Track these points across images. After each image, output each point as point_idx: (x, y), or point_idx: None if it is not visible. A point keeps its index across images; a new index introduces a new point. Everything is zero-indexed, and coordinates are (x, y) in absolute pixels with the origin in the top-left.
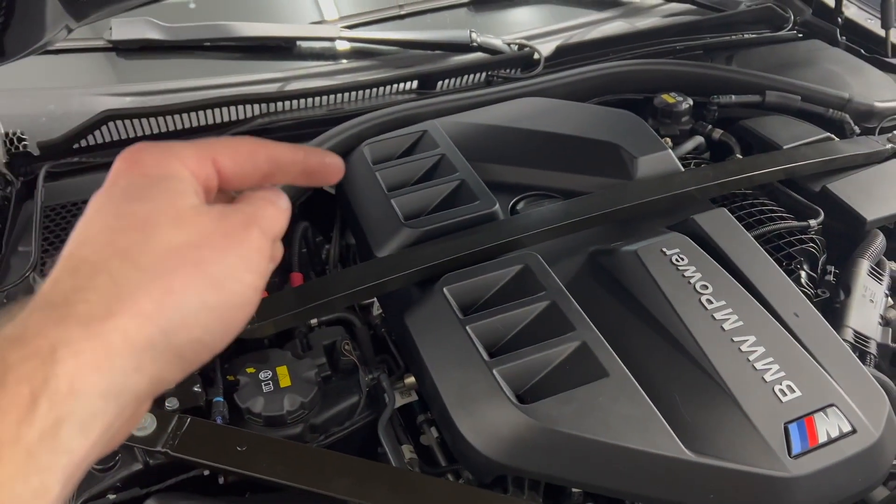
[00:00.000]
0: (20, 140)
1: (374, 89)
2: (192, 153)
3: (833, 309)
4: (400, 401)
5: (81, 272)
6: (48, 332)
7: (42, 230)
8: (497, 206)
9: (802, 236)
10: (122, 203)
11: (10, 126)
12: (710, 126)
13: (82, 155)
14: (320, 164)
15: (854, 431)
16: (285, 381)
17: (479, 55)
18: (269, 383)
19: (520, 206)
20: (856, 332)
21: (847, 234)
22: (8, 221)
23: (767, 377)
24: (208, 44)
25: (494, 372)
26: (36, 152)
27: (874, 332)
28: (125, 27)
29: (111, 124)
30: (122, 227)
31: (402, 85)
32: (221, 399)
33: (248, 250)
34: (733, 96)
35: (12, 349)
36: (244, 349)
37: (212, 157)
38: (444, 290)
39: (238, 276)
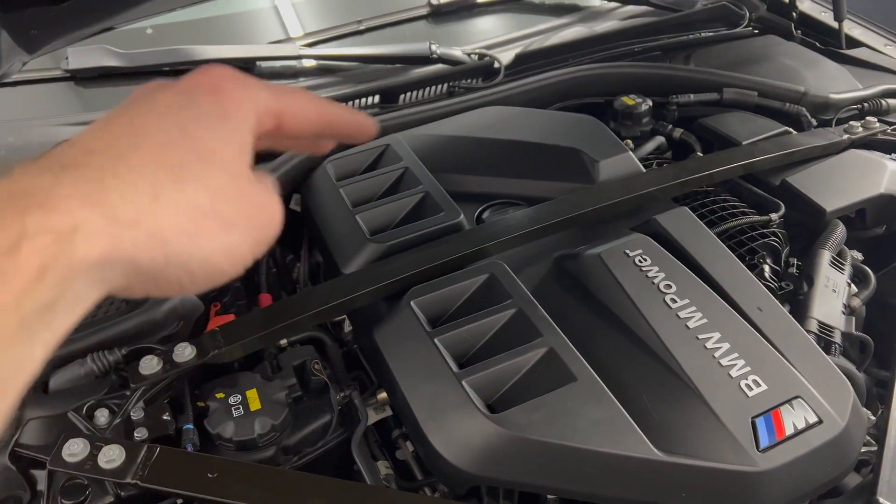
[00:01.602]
0: None
1: None
2: (266, 103)
3: (797, 301)
4: (374, 417)
5: (125, 156)
6: (74, 209)
7: None
8: (462, 216)
9: (764, 230)
10: (189, 119)
11: None
12: (670, 126)
13: None
14: (356, 123)
15: (820, 422)
16: (255, 405)
17: (439, 67)
18: (238, 407)
19: (485, 216)
20: (820, 322)
21: (808, 225)
22: None
23: (733, 373)
24: (167, 69)
25: (463, 383)
26: None
27: (838, 321)
28: (82, 56)
29: None
30: (179, 142)
31: (364, 100)
32: (191, 426)
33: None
34: (692, 95)
35: (33, 213)
36: (213, 374)
37: (281, 110)
38: (412, 303)
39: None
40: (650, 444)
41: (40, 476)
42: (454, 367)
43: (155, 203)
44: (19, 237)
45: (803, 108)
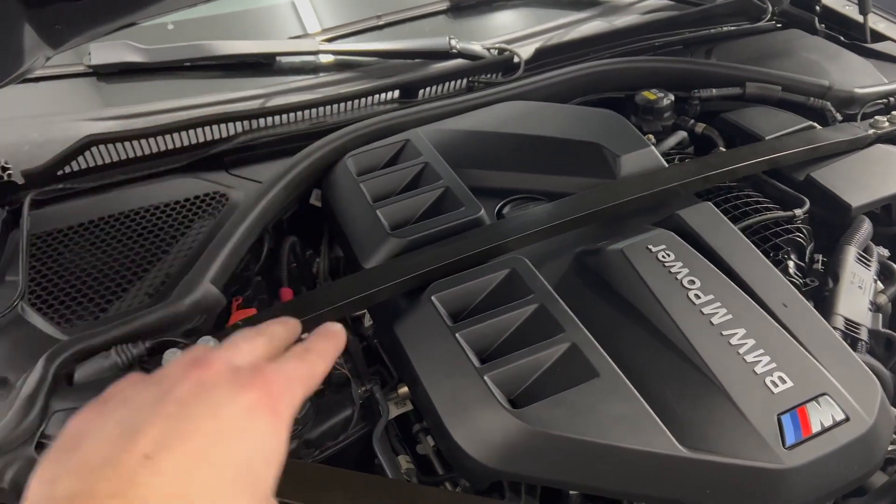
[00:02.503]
0: (4, 169)
1: (356, 101)
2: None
3: (822, 297)
4: (395, 411)
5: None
6: None
7: (29, 259)
8: (482, 211)
9: (789, 226)
10: (252, 449)
11: None
12: (692, 120)
13: (67, 181)
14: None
15: (847, 419)
16: None
17: (459, 62)
18: None
19: (505, 211)
20: (846, 319)
21: (833, 221)
22: None
23: (758, 369)
24: (188, 64)
25: (486, 378)
26: (20, 181)
27: (864, 318)
28: (104, 51)
29: (94, 149)
30: (242, 477)
31: (383, 95)
32: None
33: None
34: (714, 90)
35: None
36: None
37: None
38: (433, 298)
39: None
40: (674, 441)
41: None
42: (476, 362)
43: None
44: None
45: (828, 103)
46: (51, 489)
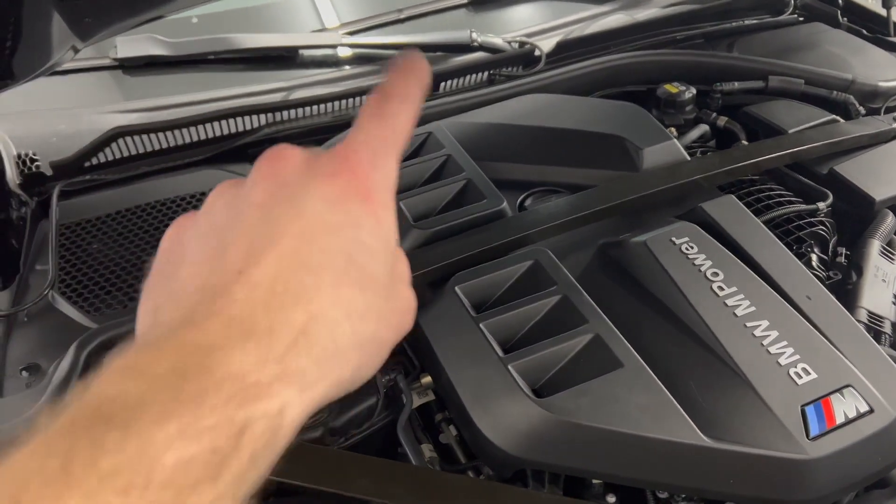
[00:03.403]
0: (33, 161)
1: None
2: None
3: (845, 290)
4: (417, 401)
5: (308, 305)
6: (280, 391)
7: (58, 248)
8: (505, 203)
9: (812, 219)
10: (351, 242)
11: (23, 147)
12: (714, 114)
13: (94, 172)
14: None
15: (871, 411)
16: None
17: (480, 55)
18: None
19: (527, 203)
20: (869, 312)
21: (857, 215)
22: (24, 241)
23: (782, 361)
24: (212, 57)
25: (510, 367)
26: (49, 172)
27: (888, 311)
28: (130, 44)
29: (121, 141)
30: (350, 277)
31: None
32: None
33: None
34: (736, 83)
35: (251, 403)
36: None
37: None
38: (457, 288)
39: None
40: (698, 431)
41: None
42: (500, 352)
43: (336, 357)
44: (241, 429)
45: (851, 97)
46: (154, 317)
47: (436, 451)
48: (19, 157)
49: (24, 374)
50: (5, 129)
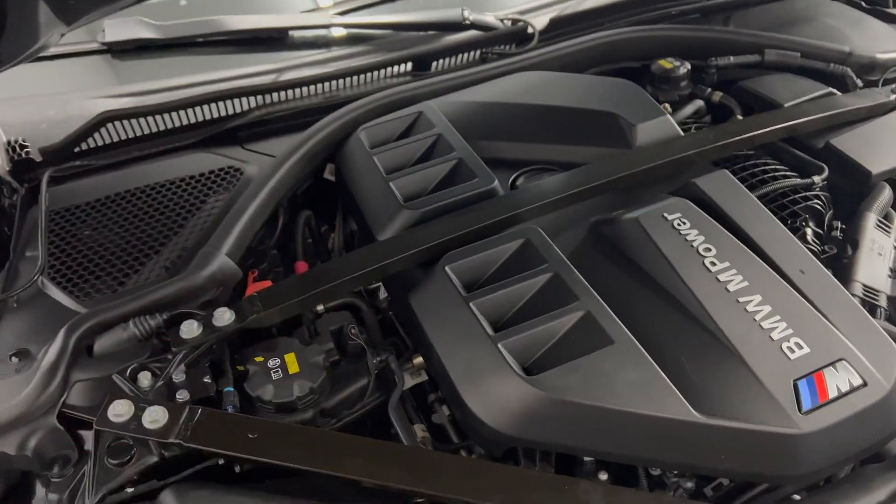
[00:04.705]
0: (22, 147)
1: (369, 74)
2: None
3: (841, 264)
4: (410, 381)
5: None
6: None
7: (48, 234)
8: (496, 182)
9: (807, 193)
10: None
11: (12, 134)
12: (709, 89)
13: (84, 158)
14: None
15: (865, 385)
16: (294, 368)
17: (472, 33)
18: (277, 371)
19: (519, 182)
20: (865, 285)
21: (853, 188)
22: (14, 228)
23: (774, 335)
24: (201, 39)
25: (499, 346)
26: (38, 158)
27: (884, 284)
28: (118, 28)
29: (110, 126)
30: None
31: (396, 68)
32: (232, 389)
33: None
34: (731, 57)
35: None
36: (253, 339)
37: None
38: (446, 268)
39: None
40: (689, 406)
41: (87, 437)
42: (490, 331)
43: None
44: None
45: (848, 69)
46: None
47: (429, 431)
48: (9, 143)
49: (14, 359)
50: None
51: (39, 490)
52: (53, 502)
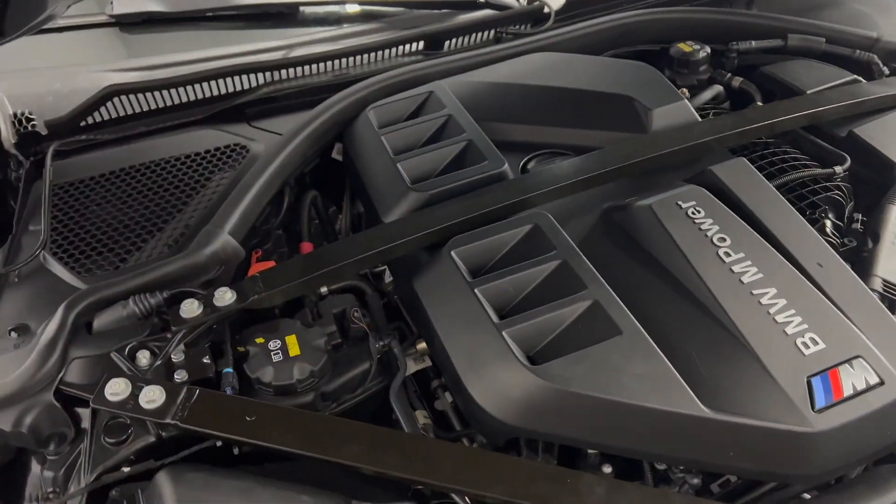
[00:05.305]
0: (29, 120)
1: (380, 52)
2: None
3: (861, 258)
4: (414, 367)
5: None
6: None
7: (51, 209)
8: (506, 165)
9: (827, 184)
10: None
11: (18, 106)
12: (729, 74)
13: (90, 132)
14: None
15: (882, 383)
16: (294, 350)
17: (487, 12)
18: (278, 353)
19: (530, 165)
20: (885, 281)
21: (876, 180)
22: (18, 201)
23: (789, 330)
24: (211, 14)
25: (504, 334)
26: (44, 131)
27: None
28: (127, 1)
29: (116, 100)
30: None
31: (408, 46)
32: (231, 370)
33: None
34: (753, 42)
35: None
36: (255, 320)
37: None
38: (452, 253)
39: None
40: (697, 401)
41: (84, 415)
42: (495, 318)
43: None
44: None
45: (875, 56)
46: None
47: (430, 417)
48: (15, 116)
49: (13, 334)
50: (1, 88)
51: (35, 467)
52: (49, 479)
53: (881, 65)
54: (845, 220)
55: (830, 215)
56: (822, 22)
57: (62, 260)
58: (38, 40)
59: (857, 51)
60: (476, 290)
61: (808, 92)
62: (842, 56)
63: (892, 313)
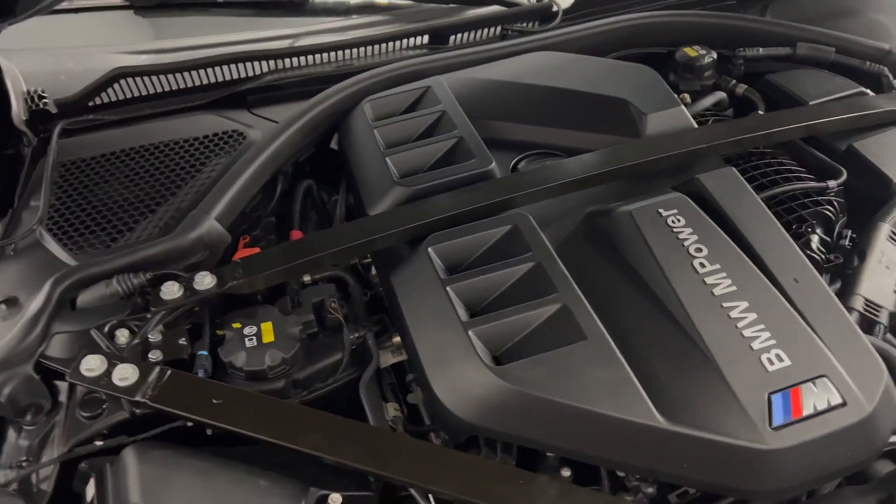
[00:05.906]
0: (41, 98)
1: (385, 44)
2: None
3: (845, 275)
4: (391, 359)
5: None
6: None
7: (53, 186)
8: (493, 164)
9: (819, 198)
10: None
11: (32, 84)
12: (734, 81)
13: (97, 113)
14: None
15: (844, 404)
16: (269, 337)
17: (494, 8)
18: (252, 338)
19: (521, 165)
20: (866, 300)
21: (874, 195)
22: (22, 177)
23: (755, 345)
24: (223, 0)
25: (470, 333)
26: (54, 110)
27: (888, 300)
28: None
29: (124, 82)
30: None
31: (412, 40)
32: (205, 353)
33: None
34: (761, 49)
35: None
36: (240, 304)
37: None
38: (429, 249)
39: None
40: (654, 411)
41: (62, 387)
42: (464, 316)
43: None
44: None
45: (885, 68)
46: None
47: (402, 410)
48: (28, 93)
49: (3, 306)
50: (18, 65)
51: (11, 435)
52: (24, 448)
53: (891, 77)
54: (834, 236)
55: (818, 230)
56: (833, 31)
57: (56, 237)
58: (54, 20)
59: (868, 62)
60: (448, 288)
61: (812, 103)
62: (851, 67)
63: (870, 334)
